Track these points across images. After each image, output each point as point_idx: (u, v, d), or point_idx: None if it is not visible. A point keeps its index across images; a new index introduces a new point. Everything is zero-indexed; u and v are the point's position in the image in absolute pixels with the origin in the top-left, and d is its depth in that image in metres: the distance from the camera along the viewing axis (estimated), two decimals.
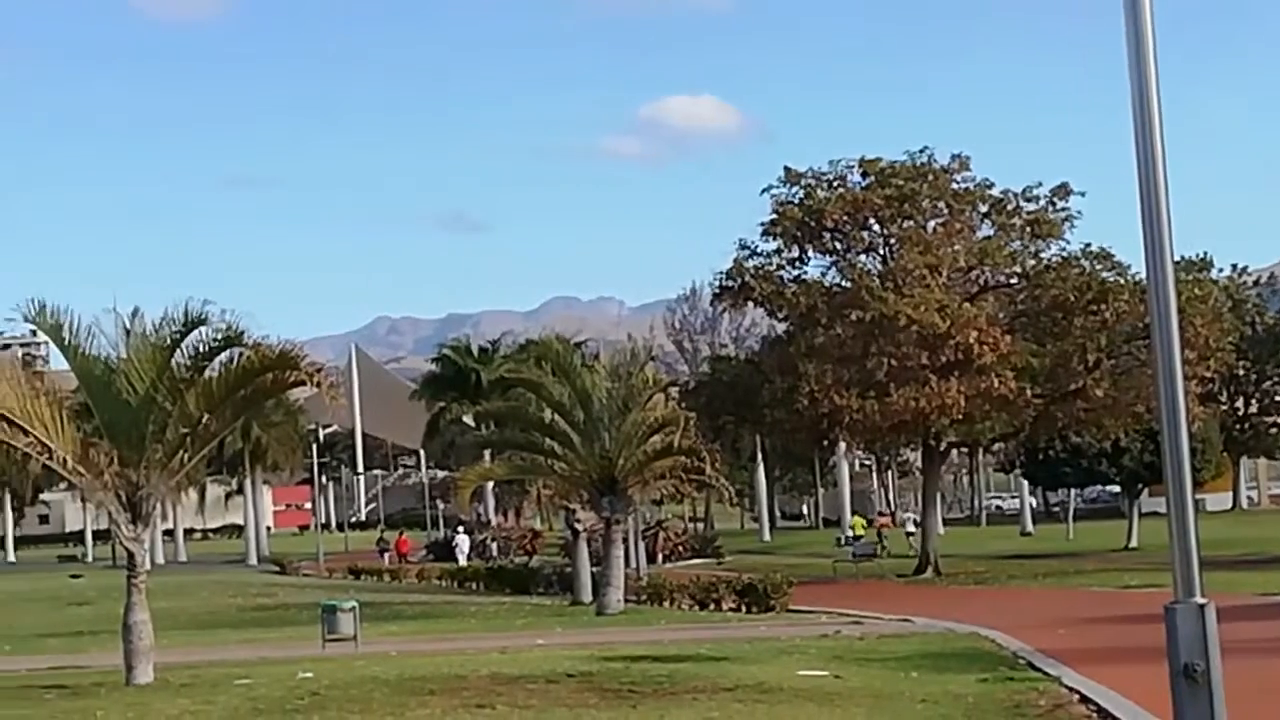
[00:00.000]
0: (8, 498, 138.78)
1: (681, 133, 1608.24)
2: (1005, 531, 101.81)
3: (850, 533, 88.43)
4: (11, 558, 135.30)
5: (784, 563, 74.26)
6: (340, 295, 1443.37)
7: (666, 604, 50.79)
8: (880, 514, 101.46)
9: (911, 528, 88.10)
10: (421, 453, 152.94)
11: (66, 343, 28.30)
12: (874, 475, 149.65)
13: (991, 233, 67.15)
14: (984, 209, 67.17)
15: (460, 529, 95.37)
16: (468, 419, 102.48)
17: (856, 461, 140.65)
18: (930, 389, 61.48)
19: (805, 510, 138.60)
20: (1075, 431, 73.57)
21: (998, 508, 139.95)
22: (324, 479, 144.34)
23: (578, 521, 54.76)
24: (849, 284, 65.59)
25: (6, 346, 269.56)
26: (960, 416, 63.41)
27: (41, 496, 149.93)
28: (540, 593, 60.87)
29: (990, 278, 67.68)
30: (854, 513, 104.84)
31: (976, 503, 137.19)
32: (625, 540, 53.70)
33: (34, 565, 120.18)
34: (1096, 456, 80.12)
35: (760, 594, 47.46)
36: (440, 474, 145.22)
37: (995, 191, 66.88)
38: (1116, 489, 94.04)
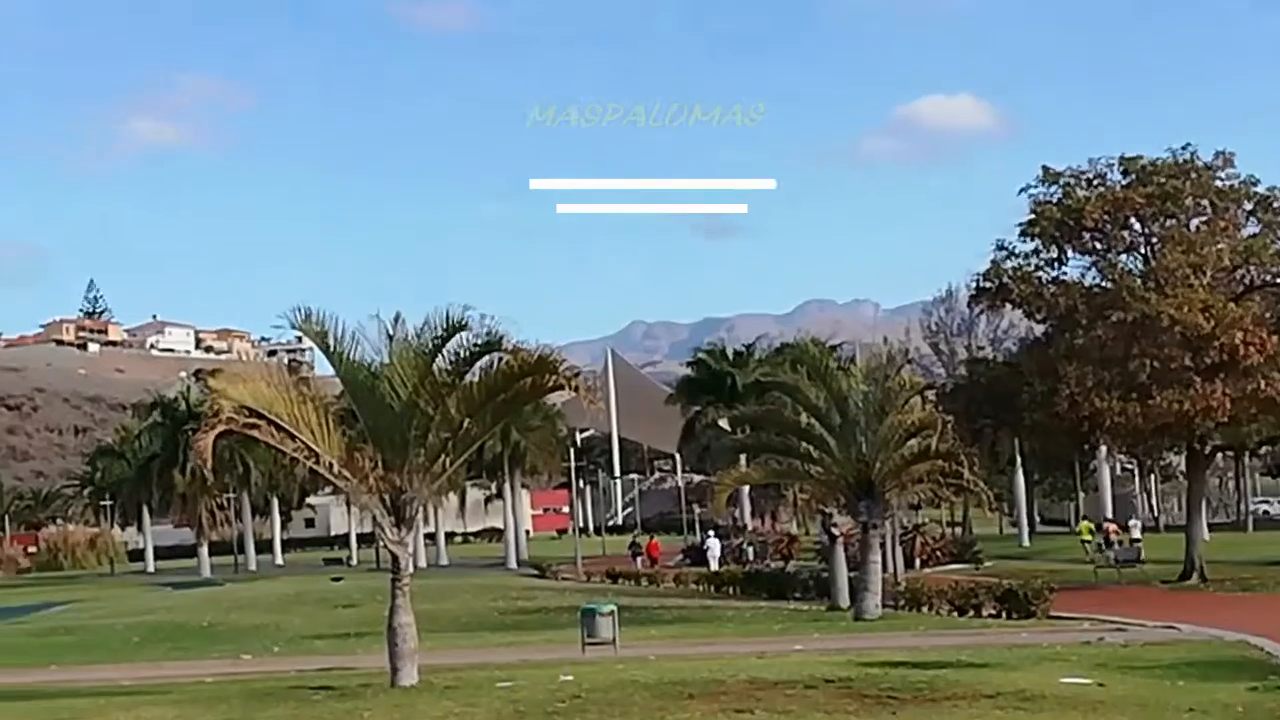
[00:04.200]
0: (276, 502, 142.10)
1: (938, 132, 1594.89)
2: (1273, 537, 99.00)
3: (1082, 538, 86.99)
4: (279, 560, 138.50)
5: (1044, 568, 73.23)
6: (597, 300, 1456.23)
7: (925, 609, 50.38)
8: (1107, 520, 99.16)
9: (1137, 534, 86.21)
10: (677, 456, 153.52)
11: (332, 349, 28.81)
12: (1136, 479, 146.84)
13: (1257, 230, 65.62)
14: (1249, 206, 65.70)
15: (712, 533, 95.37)
16: (723, 423, 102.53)
17: (1118, 465, 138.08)
18: (1194, 391, 60.23)
19: (1078, 514, 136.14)
20: None
21: (1265, 512, 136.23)
22: (581, 483, 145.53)
23: (834, 526, 54.53)
24: (1109, 284, 64.55)
25: (273, 353, 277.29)
26: (1226, 419, 62.00)
27: (308, 500, 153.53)
28: (797, 597, 60.69)
29: (1256, 277, 66.07)
30: (1084, 517, 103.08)
31: (1243, 507, 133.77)
32: (882, 545, 53.34)
33: (301, 568, 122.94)
34: None
35: (1020, 600, 46.93)
36: (696, 478, 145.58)
37: (1261, 189, 65.37)
38: None
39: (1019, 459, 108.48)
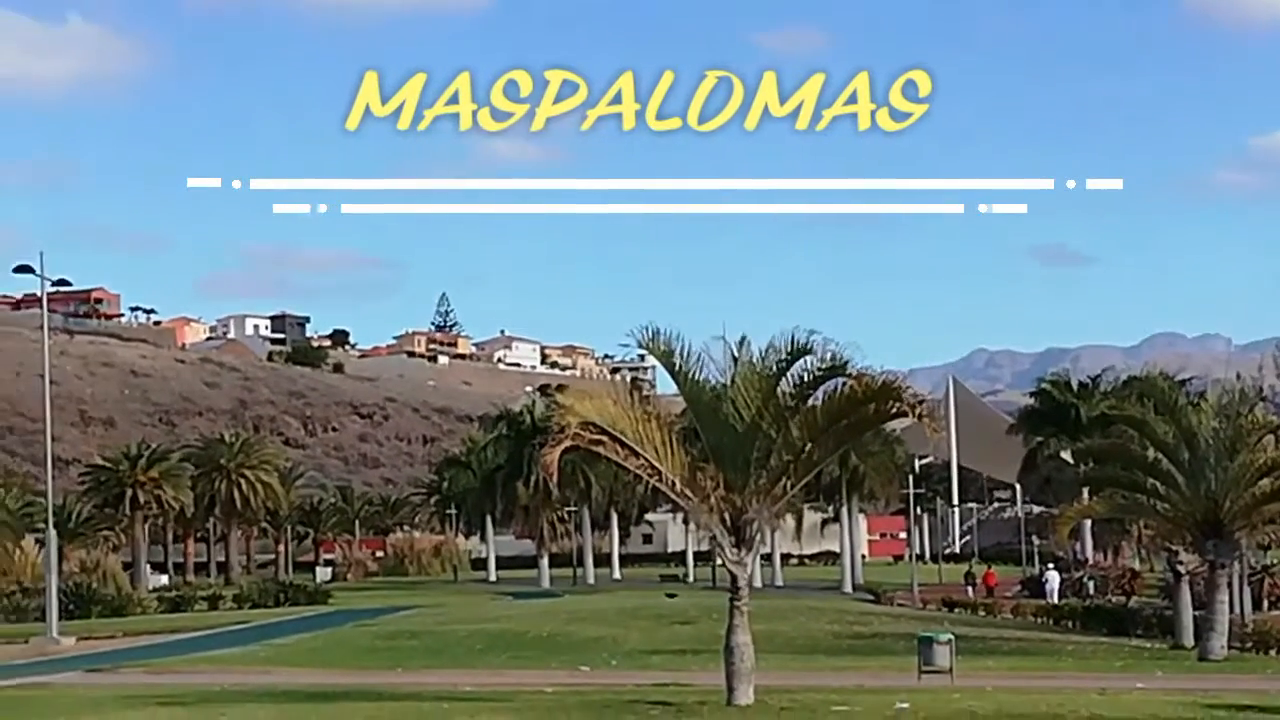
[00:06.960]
0: (615, 517, 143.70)
1: None
2: None
3: None
4: (617, 574, 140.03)
5: None
6: (939, 327, 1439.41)
7: (1273, 652, 49.00)
8: None
9: None
10: (1017, 487, 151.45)
11: (677, 368, 29.18)
12: None
13: None
14: None
15: (1051, 566, 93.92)
16: (1065, 455, 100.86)
17: None
18: None
19: None
20: None
21: None
22: (919, 509, 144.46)
23: (1180, 563, 53.28)
24: None
25: (616, 370, 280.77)
26: None
27: (646, 516, 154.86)
28: (1138, 635, 59.43)
29: None
30: None
31: None
32: (1230, 584, 51.97)
33: (637, 583, 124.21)
34: None
35: None
36: (1036, 509, 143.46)
37: None
38: None
39: None
